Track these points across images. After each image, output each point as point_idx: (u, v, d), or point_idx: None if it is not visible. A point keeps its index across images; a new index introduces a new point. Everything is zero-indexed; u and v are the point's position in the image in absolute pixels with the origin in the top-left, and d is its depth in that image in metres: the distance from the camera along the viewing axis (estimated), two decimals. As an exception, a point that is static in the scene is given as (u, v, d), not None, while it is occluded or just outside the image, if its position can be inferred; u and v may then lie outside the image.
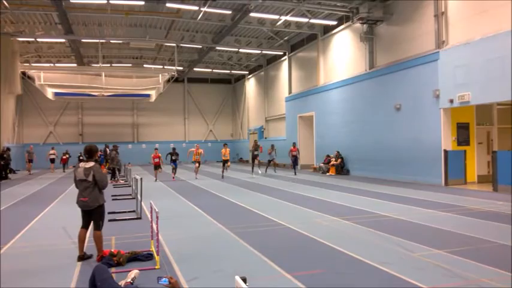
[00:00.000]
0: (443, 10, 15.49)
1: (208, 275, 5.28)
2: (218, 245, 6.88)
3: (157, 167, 19.33)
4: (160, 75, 27.93)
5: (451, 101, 14.81)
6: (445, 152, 15.19)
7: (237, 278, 2.54)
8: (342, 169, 21.38)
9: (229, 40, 26.74)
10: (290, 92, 28.67)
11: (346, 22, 21.44)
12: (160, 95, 30.74)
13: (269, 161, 23.14)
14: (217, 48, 27.58)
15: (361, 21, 19.26)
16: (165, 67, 30.82)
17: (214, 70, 35.47)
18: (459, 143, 15.60)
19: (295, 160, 22.47)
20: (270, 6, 20.03)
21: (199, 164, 20.06)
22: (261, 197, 13.06)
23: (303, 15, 21.46)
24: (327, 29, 23.42)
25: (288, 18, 21.80)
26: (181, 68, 33.33)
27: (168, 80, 28.44)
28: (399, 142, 17.38)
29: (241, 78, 39.25)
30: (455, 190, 13.76)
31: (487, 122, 16.52)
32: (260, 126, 34.49)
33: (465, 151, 15.55)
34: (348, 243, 6.68)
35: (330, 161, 22.13)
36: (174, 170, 20.03)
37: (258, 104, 35.53)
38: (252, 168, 22.20)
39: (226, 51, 29.45)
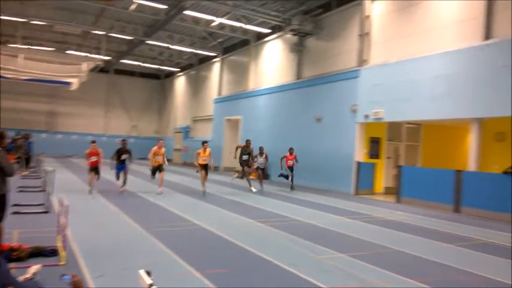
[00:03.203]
0: (367, 31, 16.61)
1: (115, 272, 5.20)
2: (129, 243, 6.78)
3: (94, 169, 12.65)
4: (84, 63, 26.59)
5: (366, 117, 15.94)
6: (358, 163, 16.28)
7: (141, 272, 2.59)
8: (263, 173, 21.85)
9: (162, 35, 26.25)
10: (219, 94, 28.80)
11: (278, 32, 22.08)
12: (82, 84, 29.23)
13: (257, 169, 16.61)
14: (148, 41, 26.92)
15: (292, 33, 19.98)
16: (91, 55, 29.40)
17: (143, 64, 34.51)
18: (370, 156, 16.82)
19: (291, 170, 16.49)
20: (206, 6, 20.03)
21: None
22: (186, 199, 12.99)
23: (238, 20, 21.73)
24: (260, 36, 23.93)
25: (223, 20, 21.95)
26: (108, 58, 32.00)
27: (93, 70, 27.17)
28: (318, 151, 18.25)
29: (171, 75, 38.61)
30: (364, 199, 14.77)
31: (397, 139, 17.96)
32: (187, 125, 34.18)
33: (375, 164, 16.78)
34: (259, 245, 6.93)
35: (251, 165, 22.51)
36: (124, 176, 13.07)
37: (186, 103, 35.19)
38: (248, 181, 15.94)
39: (158, 46, 28.85)
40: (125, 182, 13.04)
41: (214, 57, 29.54)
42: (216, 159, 26.29)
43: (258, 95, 23.71)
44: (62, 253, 5.49)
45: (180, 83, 36.89)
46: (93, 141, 12.98)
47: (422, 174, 14.33)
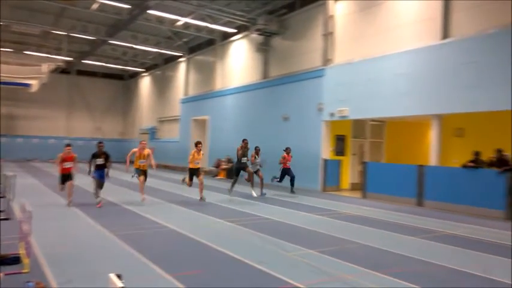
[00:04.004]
0: (331, 31, 16.92)
1: (83, 277, 5.10)
2: (97, 248, 6.65)
3: (67, 177, 10.73)
4: (44, 64, 25.71)
5: (332, 115, 16.26)
6: (324, 160, 16.57)
7: (111, 276, 2.55)
8: (231, 173, 21.88)
9: (125, 35, 25.73)
10: (186, 94, 28.56)
11: (244, 31, 22.13)
12: (43, 86, 28.27)
13: (253, 173, 14.23)
14: (111, 41, 26.35)
15: (258, 33, 20.08)
16: (51, 56, 28.45)
17: (106, 64, 33.71)
18: (336, 153, 17.18)
19: (288, 172, 14.73)
20: (171, 6, 19.80)
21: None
22: (155, 201, 12.81)
23: (203, 19, 21.61)
24: (226, 36, 23.90)
25: (188, 20, 21.78)
26: (69, 59, 31.07)
27: (54, 71, 26.33)
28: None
29: (135, 76, 37.92)
30: (331, 196, 15.05)
31: (361, 136, 18.40)
32: (153, 126, 33.70)
33: (341, 161, 17.14)
34: (230, 244, 6.96)
35: (220, 165, 22.52)
36: (100, 186, 11.08)
37: (152, 104, 34.69)
38: (231, 187, 13.71)
39: (121, 46, 28.27)
40: (101, 188, 11.15)
41: (180, 57, 29.26)
42: (184, 160, 26.23)
43: (225, 95, 23.70)
44: (25, 260, 5.30)
45: (145, 83, 36.31)
46: (68, 145, 10.95)
47: (386, 170, 14.76)
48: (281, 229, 8.59)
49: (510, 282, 5.31)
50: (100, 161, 11.04)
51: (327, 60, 16.97)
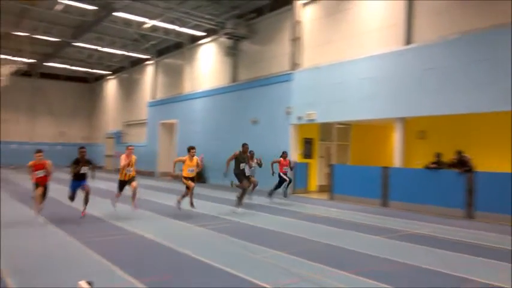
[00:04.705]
0: (298, 36, 17.17)
1: (48, 286, 4.97)
2: (63, 256, 6.48)
3: (41, 188, 9.28)
4: (5, 66, 24.79)
5: (300, 118, 16.50)
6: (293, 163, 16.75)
7: (81, 283, 2.51)
8: (200, 177, 21.78)
9: (91, 37, 25.19)
10: (154, 97, 28.22)
11: (213, 35, 22.11)
12: (3, 89, 27.25)
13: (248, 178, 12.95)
14: (76, 43, 25.71)
15: (226, 36, 20.13)
16: (12, 58, 27.44)
17: (71, 67, 32.85)
18: (304, 156, 17.43)
19: (284, 179, 13.65)
20: (138, 8, 19.56)
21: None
22: (120, 206, 12.56)
23: (171, 22, 21.45)
24: (195, 39, 23.81)
25: (156, 23, 21.56)
26: (32, 61, 30.10)
27: (15, 73, 25.43)
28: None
29: (101, 78, 37.14)
30: (299, 198, 15.23)
31: (328, 139, 18.74)
32: (119, 130, 33.07)
33: (309, 163, 17.39)
34: (199, 249, 6.93)
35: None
36: (85, 196, 9.60)
37: (118, 107, 34.06)
38: (240, 198, 11.79)
39: (86, 48, 27.63)
40: (86, 203, 9.68)
41: (148, 59, 28.89)
42: (151, 165, 25.89)
43: (194, 98, 23.58)
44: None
45: (111, 86, 35.62)
46: (39, 151, 9.40)
47: (353, 172, 15.09)
48: (249, 232, 8.64)
49: (471, 278, 5.55)
50: (84, 169, 9.54)
51: (294, 65, 17.22)
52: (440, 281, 5.45)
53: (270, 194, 13.76)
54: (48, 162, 9.41)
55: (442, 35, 12.56)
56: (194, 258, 6.36)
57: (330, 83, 15.56)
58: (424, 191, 12.28)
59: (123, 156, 10.31)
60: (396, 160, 13.81)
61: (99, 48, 26.76)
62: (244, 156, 12.03)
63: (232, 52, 20.79)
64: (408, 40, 13.48)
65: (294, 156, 16.97)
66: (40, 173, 9.26)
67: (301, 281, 5.36)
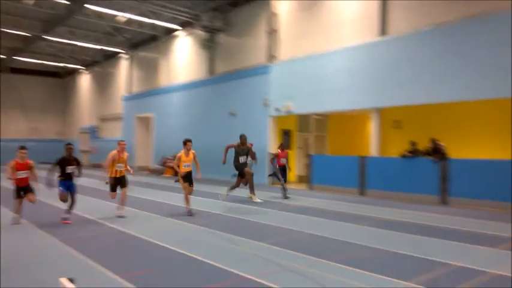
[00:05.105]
0: (275, 28, 17.18)
1: (29, 284, 4.89)
2: (42, 254, 6.37)
3: (23, 190, 8.41)
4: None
5: (278, 110, 16.57)
6: (271, 155, 16.83)
7: (62, 280, 2.49)
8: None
9: (62, 31, 24.54)
10: (129, 91, 27.80)
11: (188, 28, 21.88)
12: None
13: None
14: (47, 37, 25.01)
15: (202, 29, 19.96)
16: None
17: (42, 61, 31.97)
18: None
19: (283, 172, 13.19)
20: (111, 1, 19.15)
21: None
22: (98, 201, 12.41)
23: (145, 15, 21.09)
24: (170, 32, 23.50)
25: (130, 16, 21.15)
26: (1, 56, 29.14)
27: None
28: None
29: (73, 73, 36.31)
30: (279, 189, 15.30)
31: (306, 130, 18.89)
32: (94, 125, 32.48)
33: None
34: (180, 242, 6.93)
35: (165, 163, 22.20)
36: (71, 198, 8.67)
37: (93, 102, 33.44)
38: (252, 190, 12.02)
39: (58, 42, 26.91)
40: (71, 206, 8.76)
41: (122, 53, 28.39)
42: (128, 159, 25.53)
43: (171, 92, 23.35)
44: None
45: (85, 80, 34.89)
46: (22, 148, 8.42)
47: (330, 162, 15.30)
48: (230, 224, 8.68)
49: (446, 262, 5.74)
50: (70, 169, 8.51)
51: (271, 57, 17.24)
52: (417, 266, 5.61)
53: (284, 189, 12.79)
54: (32, 162, 8.43)
55: (415, 26, 12.79)
56: (176, 251, 6.36)
57: (306, 75, 15.67)
58: (400, 179, 12.57)
59: (113, 153, 9.26)
60: (373, 149, 14.06)
61: (71, 42, 26.10)
62: (243, 148, 11.36)
63: (209, 45, 20.64)
64: (383, 32, 13.68)
65: (273, 147, 17.05)
66: (22, 174, 8.23)
67: (282, 270, 5.43)
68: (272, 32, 17.25)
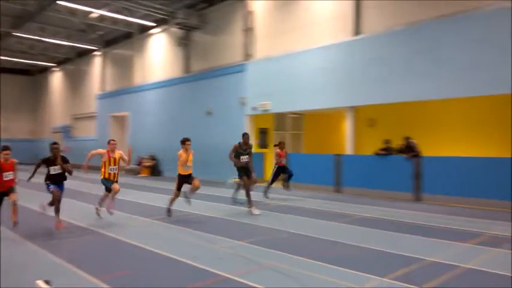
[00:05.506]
0: (251, 26, 17.19)
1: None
2: (15, 257, 6.21)
3: (6, 194, 7.48)
4: None
5: (255, 109, 16.61)
6: (249, 154, 16.90)
7: (39, 282, 2.47)
8: (155, 170, 21.47)
9: (33, 27, 23.84)
10: (103, 89, 27.30)
11: (163, 25, 21.64)
12: None
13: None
14: (16, 34, 24.25)
15: (178, 26, 19.78)
16: None
17: (11, 59, 30.94)
18: (260, 146, 17.59)
19: (284, 171, 12.72)
20: (83, -3, 18.76)
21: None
22: (73, 203, 12.13)
23: (119, 12, 20.72)
24: (145, 29, 23.18)
25: (103, 12, 20.75)
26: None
27: None
28: (209, 144, 18.45)
29: (45, 70, 35.37)
30: (256, 188, 15.32)
31: (282, 128, 19.01)
32: (67, 124, 31.76)
33: (264, 153, 17.59)
34: (158, 243, 6.88)
35: (141, 163, 21.95)
36: (57, 202, 7.83)
37: (65, 100, 32.67)
38: (248, 197, 10.17)
39: (28, 38, 26.12)
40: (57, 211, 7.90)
41: (95, 50, 27.84)
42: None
43: (146, 90, 23.06)
44: None
45: (57, 78, 34.04)
46: (5, 148, 7.50)
47: (307, 160, 15.43)
48: (209, 223, 8.67)
49: (420, 257, 5.90)
50: (56, 169, 7.75)
51: (247, 55, 17.26)
52: (393, 262, 5.75)
53: (266, 191, 12.53)
54: (15, 161, 7.60)
55: (388, 26, 13.04)
56: (154, 252, 6.32)
57: (282, 74, 15.75)
58: (375, 177, 12.82)
59: (99, 150, 8.71)
60: (348, 147, 14.27)
61: (42, 38, 25.40)
62: (245, 148, 10.59)
63: (184, 42, 20.48)
64: (357, 31, 13.88)
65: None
66: (8, 175, 7.40)
67: (261, 268, 5.48)
68: (248, 30, 17.25)
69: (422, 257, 5.87)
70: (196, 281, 4.95)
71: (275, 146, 12.99)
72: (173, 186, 9.73)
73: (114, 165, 8.70)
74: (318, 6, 15.03)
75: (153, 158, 21.65)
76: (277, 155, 12.71)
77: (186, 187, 9.47)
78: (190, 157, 9.17)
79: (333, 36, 14.45)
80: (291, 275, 5.13)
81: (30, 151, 30.91)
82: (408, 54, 12.43)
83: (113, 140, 9.03)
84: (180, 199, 9.63)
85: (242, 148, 10.55)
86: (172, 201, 9.45)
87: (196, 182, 9.15)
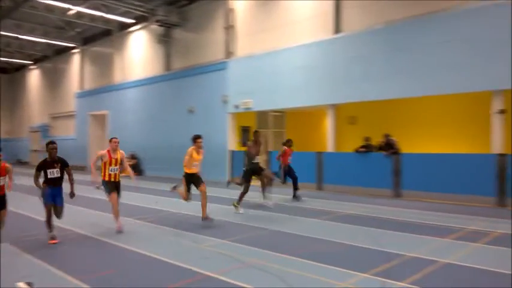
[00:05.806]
0: (232, 24, 17.14)
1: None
2: (-9, 258, 6.07)
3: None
4: None
5: (237, 107, 16.59)
6: (231, 152, 16.89)
7: (20, 284, 2.42)
8: (136, 169, 21.22)
9: (8, 24, 23.22)
10: (82, 87, 26.84)
11: (143, 22, 21.38)
12: None
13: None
14: (-10, 31, 23.63)
15: (158, 24, 19.58)
16: None
17: (-14, 56, 30.19)
18: (242, 144, 17.58)
19: (289, 172, 12.06)
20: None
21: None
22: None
23: (97, 9, 20.37)
24: (124, 26, 22.86)
25: (81, 9, 20.36)
26: None
27: None
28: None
29: (21, 68, 34.56)
30: (238, 186, 15.36)
31: (264, 126, 19.02)
32: (45, 123, 31.12)
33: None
34: (141, 242, 6.83)
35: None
36: (57, 213, 7.18)
37: (43, 99, 31.99)
38: (240, 197, 10.18)
39: (4, 35, 25.43)
40: (50, 219, 7.08)
41: (73, 48, 27.33)
42: (82, 159, 24.69)
43: (126, 88, 22.76)
44: None
45: (34, 76, 33.30)
46: None
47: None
48: (191, 222, 8.63)
49: (401, 253, 6.01)
50: (54, 172, 7.00)
51: (229, 53, 17.21)
52: (374, 258, 5.84)
53: (295, 195, 11.87)
54: (9, 166, 6.58)
55: (368, 24, 13.18)
56: (136, 252, 6.27)
57: (264, 72, 15.77)
58: (356, 174, 12.97)
59: (101, 153, 7.94)
60: (329, 145, 14.40)
61: (18, 36, 24.78)
62: (258, 149, 10.12)
63: (165, 40, 20.29)
64: (337, 29, 13.99)
65: (233, 144, 17.08)
66: (1, 181, 6.48)
67: (244, 266, 5.49)
68: (229, 28, 17.21)
69: (403, 253, 5.98)
70: (178, 281, 4.93)
71: (283, 144, 12.45)
72: (154, 185, 9.65)
73: (115, 165, 7.87)
74: (299, 5, 15.08)
75: (134, 157, 21.39)
76: (284, 154, 12.00)
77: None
78: (201, 155, 8.62)
79: (313, 35, 14.53)
80: (274, 273, 5.16)
81: (8, 151, 30.08)
82: (388, 52, 12.60)
83: (115, 138, 8.02)
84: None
85: (256, 149, 10.13)
86: (185, 199, 8.75)
87: (203, 187, 8.54)
